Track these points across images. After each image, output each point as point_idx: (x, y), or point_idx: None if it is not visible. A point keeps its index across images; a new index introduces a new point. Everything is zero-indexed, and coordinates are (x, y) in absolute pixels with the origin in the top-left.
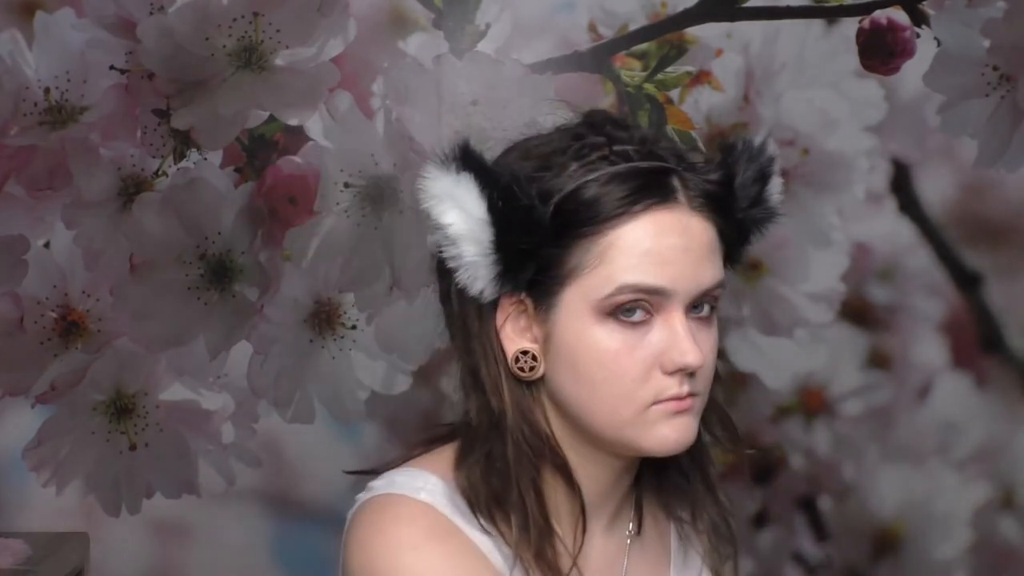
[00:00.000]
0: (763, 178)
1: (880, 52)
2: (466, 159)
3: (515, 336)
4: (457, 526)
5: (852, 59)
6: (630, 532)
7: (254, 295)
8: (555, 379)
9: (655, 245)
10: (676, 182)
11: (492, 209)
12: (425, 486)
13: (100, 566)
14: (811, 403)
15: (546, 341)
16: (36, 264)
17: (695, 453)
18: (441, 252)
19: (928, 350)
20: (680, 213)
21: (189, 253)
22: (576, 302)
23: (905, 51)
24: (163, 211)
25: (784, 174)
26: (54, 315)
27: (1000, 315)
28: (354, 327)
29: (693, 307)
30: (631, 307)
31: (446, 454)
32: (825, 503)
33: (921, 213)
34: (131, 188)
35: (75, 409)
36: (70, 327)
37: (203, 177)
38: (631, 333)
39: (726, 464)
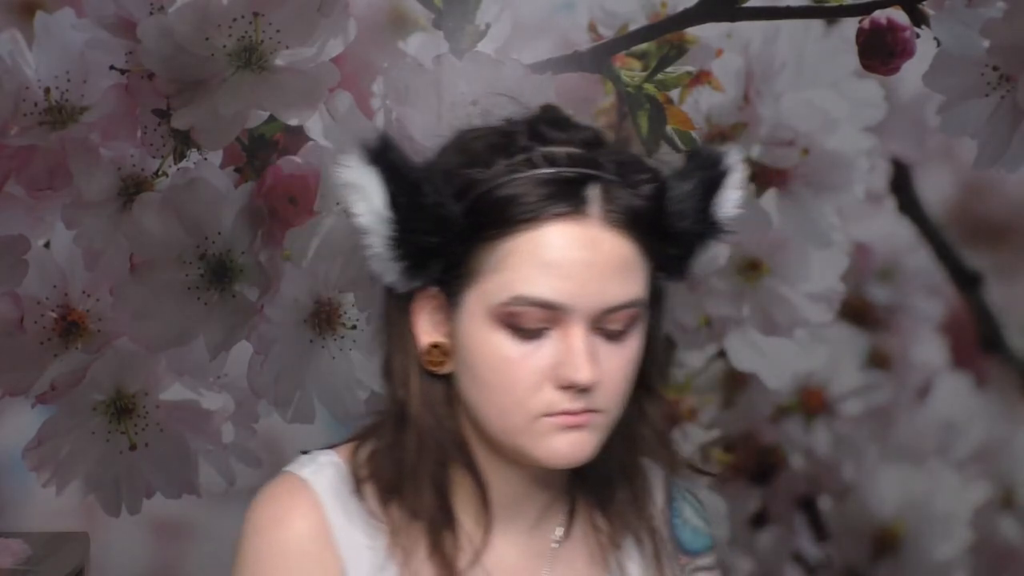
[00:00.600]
0: (710, 191)
1: (880, 52)
2: (380, 151)
3: (430, 329)
4: (322, 506)
5: (852, 59)
6: (557, 538)
7: (254, 295)
8: (458, 377)
9: (557, 258)
10: (595, 193)
11: (394, 205)
12: (315, 466)
13: (100, 566)
14: (811, 403)
15: (453, 338)
16: (36, 264)
17: (624, 468)
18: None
19: (928, 350)
20: (590, 227)
21: (189, 253)
22: (476, 304)
23: (905, 51)
24: (163, 211)
25: (784, 174)
26: (54, 315)
27: (1000, 315)
28: (354, 327)
29: (602, 323)
30: (528, 317)
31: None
32: (825, 503)
33: (921, 213)
34: (131, 188)
35: (75, 409)
36: (70, 327)
37: (203, 177)
38: (526, 343)
39: (725, 465)
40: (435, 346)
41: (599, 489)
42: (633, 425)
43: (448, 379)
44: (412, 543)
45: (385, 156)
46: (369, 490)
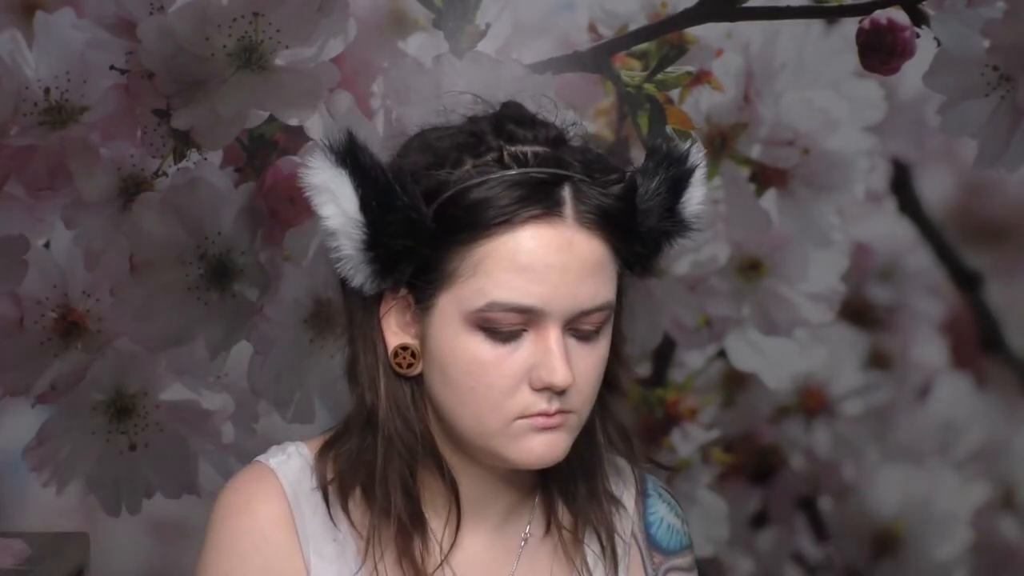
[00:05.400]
0: (678, 188)
1: (880, 52)
2: (348, 153)
3: (398, 330)
4: (286, 495)
5: (852, 59)
6: (525, 536)
7: (254, 295)
8: (429, 379)
9: (532, 261)
10: (567, 193)
11: (365, 209)
12: (284, 455)
13: (100, 566)
14: (811, 403)
15: (423, 340)
16: (36, 264)
17: (586, 464)
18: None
19: (928, 350)
20: (564, 228)
21: (189, 253)
22: (450, 308)
23: (905, 51)
24: (163, 211)
25: (784, 174)
26: (54, 315)
27: (1000, 315)
28: None
29: (575, 324)
30: (503, 320)
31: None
32: (825, 503)
33: (921, 213)
34: (131, 188)
35: (75, 409)
36: (70, 327)
37: (203, 177)
38: (502, 346)
39: (725, 465)
40: (404, 348)
41: (564, 485)
42: (597, 421)
43: (415, 380)
44: (380, 546)
45: (354, 157)
46: (334, 490)
